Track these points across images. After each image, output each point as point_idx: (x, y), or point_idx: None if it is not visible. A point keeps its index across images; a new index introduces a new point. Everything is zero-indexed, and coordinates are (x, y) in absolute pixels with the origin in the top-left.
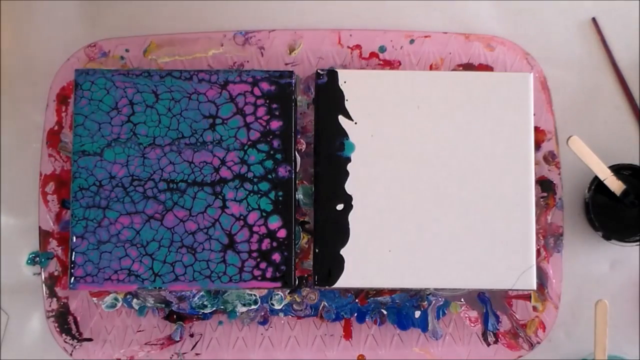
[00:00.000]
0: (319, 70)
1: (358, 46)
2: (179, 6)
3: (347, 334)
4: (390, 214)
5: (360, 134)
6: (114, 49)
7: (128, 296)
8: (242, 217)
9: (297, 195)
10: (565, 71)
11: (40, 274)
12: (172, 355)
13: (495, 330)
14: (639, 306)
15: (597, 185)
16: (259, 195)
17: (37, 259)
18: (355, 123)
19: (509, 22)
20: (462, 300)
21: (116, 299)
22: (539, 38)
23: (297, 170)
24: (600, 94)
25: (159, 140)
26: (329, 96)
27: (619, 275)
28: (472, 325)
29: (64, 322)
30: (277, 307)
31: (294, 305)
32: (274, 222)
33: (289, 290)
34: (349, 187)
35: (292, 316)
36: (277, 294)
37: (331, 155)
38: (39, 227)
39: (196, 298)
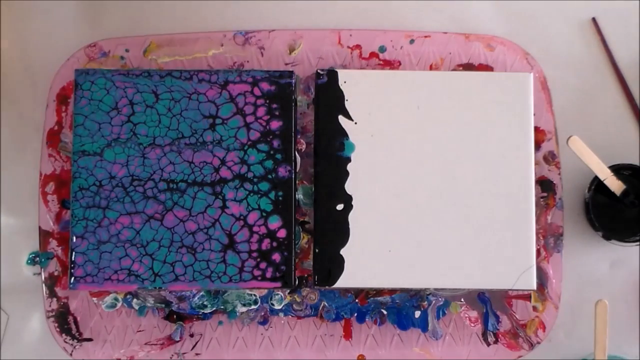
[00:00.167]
0: (319, 70)
1: (358, 46)
2: (179, 6)
3: (347, 334)
4: (390, 214)
5: (360, 134)
6: (114, 49)
7: (128, 296)
8: (242, 217)
9: (297, 195)
10: (565, 71)
11: (40, 274)
12: (172, 355)
13: (495, 330)
14: (639, 306)
15: (597, 185)
16: (259, 195)
17: (37, 259)
18: (355, 123)
19: (509, 22)
20: (462, 300)
21: (116, 299)
22: (539, 38)
23: (297, 170)
24: (600, 94)
25: (159, 140)
26: (329, 96)
27: (619, 275)
28: (472, 325)
29: (64, 322)
30: (277, 307)
31: (294, 305)
32: (274, 222)
33: (289, 290)
34: (349, 187)
35: (292, 316)
36: (277, 294)
37: (331, 155)
38: (39, 227)
39: (196, 298)
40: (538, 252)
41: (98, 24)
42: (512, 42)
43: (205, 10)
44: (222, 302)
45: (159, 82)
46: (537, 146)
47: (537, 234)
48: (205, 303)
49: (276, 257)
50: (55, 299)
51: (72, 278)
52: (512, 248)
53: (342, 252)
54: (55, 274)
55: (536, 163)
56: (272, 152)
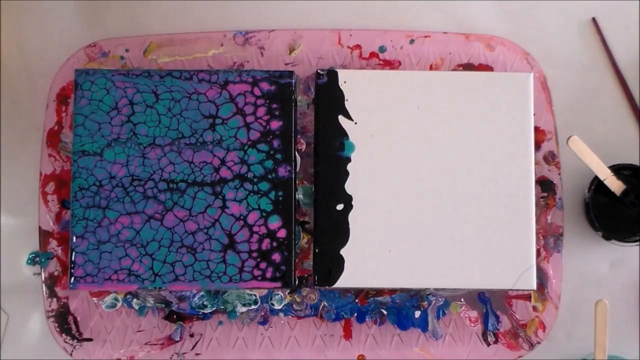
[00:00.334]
0: (319, 70)
1: (358, 46)
2: (179, 6)
3: (347, 334)
4: (390, 214)
5: (360, 134)
6: (114, 49)
7: (128, 296)
8: (242, 217)
9: (297, 195)
10: (565, 71)
11: (40, 274)
12: (172, 355)
13: (495, 330)
14: (639, 306)
15: (597, 185)
16: (259, 195)
17: (37, 259)
18: (355, 123)
19: (509, 22)
20: (462, 300)
21: (116, 299)
22: (539, 38)
23: (297, 170)
24: (600, 94)
25: (159, 140)
26: (329, 96)
27: (619, 275)
28: (472, 325)
29: (64, 322)
30: (277, 307)
31: (294, 305)
32: (274, 222)
33: (289, 290)
34: (349, 187)
35: (292, 316)
36: (277, 294)
37: (331, 155)
38: (39, 227)
39: (196, 298)
40: (538, 252)
41: (98, 24)
42: (512, 42)
43: (205, 10)
44: (222, 302)
45: (159, 82)
46: (537, 146)
47: (537, 234)
48: (205, 303)
49: (276, 257)
50: (55, 299)
51: (72, 278)
52: (512, 248)
53: (342, 252)
54: (55, 274)
55: (536, 163)
56: (272, 152)
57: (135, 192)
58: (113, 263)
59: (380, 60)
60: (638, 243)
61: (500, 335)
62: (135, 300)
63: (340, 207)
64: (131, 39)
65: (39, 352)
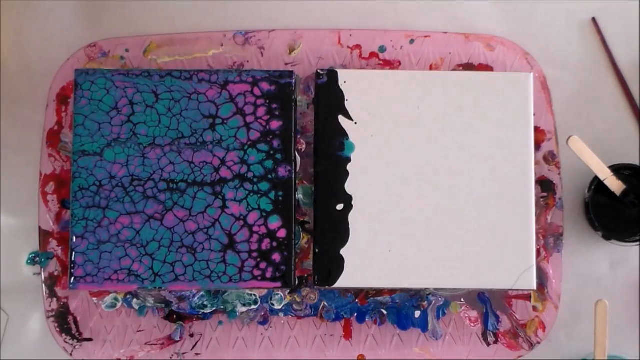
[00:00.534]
0: (319, 70)
1: (358, 46)
2: (179, 6)
3: (347, 334)
4: (390, 214)
5: (360, 134)
6: (114, 49)
7: (128, 296)
8: (242, 217)
9: (297, 195)
10: (565, 71)
11: (40, 274)
12: (172, 355)
13: (495, 330)
14: (639, 306)
15: (597, 185)
16: (259, 195)
17: (37, 259)
18: (355, 123)
19: (509, 22)
20: (462, 300)
21: (116, 299)
22: (539, 38)
23: (297, 170)
24: (600, 94)
25: (159, 140)
26: (329, 96)
27: (619, 275)
28: (472, 325)
29: (64, 322)
30: (277, 307)
31: (294, 305)
32: (274, 222)
33: (289, 290)
34: (349, 187)
35: (292, 316)
36: (277, 294)
37: (331, 155)
38: (39, 227)
39: (196, 298)
40: (538, 252)
41: (98, 24)
42: (512, 42)
43: (205, 10)
44: (222, 302)
45: (159, 82)
46: (537, 146)
47: (537, 234)
48: (205, 303)
49: (276, 257)
50: (55, 299)
51: (72, 278)
52: (512, 248)
53: (342, 252)
54: (55, 274)
55: (536, 163)
56: (272, 152)
57: (135, 192)
58: (113, 263)
59: (380, 60)
60: (638, 243)
61: (500, 335)
62: (135, 300)
63: (340, 207)
64: (131, 39)
65: (39, 352)
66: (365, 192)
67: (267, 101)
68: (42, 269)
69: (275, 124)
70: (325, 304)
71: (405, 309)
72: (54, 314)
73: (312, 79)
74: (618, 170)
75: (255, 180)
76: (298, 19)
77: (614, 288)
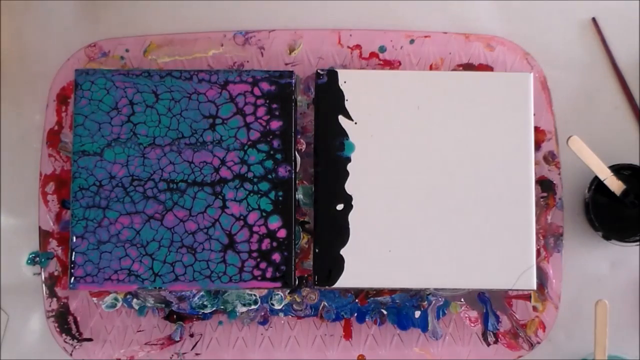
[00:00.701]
0: (319, 70)
1: (358, 46)
2: (179, 6)
3: (347, 334)
4: (390, 214)
5: (360, 134)
6: (114, 49)
7: (128, 296)
8: (242, 217)
9: (297, 195)
10: (565, 71)
11: (40, 274)
12: (172, 355)
13: (495, 330)
14: (639, 306)
15: (597, 185)
16: (259, 195)
17: (37, 259)
18: (355, 123)
19: (509, 22)
20: (462, 300)
21: (116, 299)
22: (539, 38)
23: (297, 170)
24: (600, 94)
25: (159, 140)
26: (329, 96)
27: (619, 275)
28: (472, 325)
29: (64, 322)
30: (277, 307)
31: (294, 305)
32: (274, 222)
33: (289, 290)
34: (349, 187)
35: (292, 316)
36: (277, 294)
37: (331, 155)
38: (39, 227)
39: (196, 298)
40: (538, 252)
41: (98, 24)
42: (512, 42)
43: (205, 10)
44: (222, 302)
45: (159, 82)
46: (537, 146)
47: (537, 234)
48: (205, 303)
49: (276, 257)
50: (55, 299)
51: (72, 278)
52: (512, 248)
53: (342, 252)
54: (55, 274)
55: (536, 163)
56: (272, 152)
57: (135, 192)
58: (113, 263)
59: (380, 60)
60: (638, 243)
61: (500, 335)
62: (135, 300)
63: (340, 207)
64: (131, 39)
65: (39, 352)
66: (365, 192)
67: (267, 101)
68: (42, 269)
69: (275, 124)
70: (325, 304)
71: (405, 309)
72: (54, 314)
73: (312, 79)
74: (618, 170)
75: (255, 180)
76: (298, 19)
77: (614, 288)
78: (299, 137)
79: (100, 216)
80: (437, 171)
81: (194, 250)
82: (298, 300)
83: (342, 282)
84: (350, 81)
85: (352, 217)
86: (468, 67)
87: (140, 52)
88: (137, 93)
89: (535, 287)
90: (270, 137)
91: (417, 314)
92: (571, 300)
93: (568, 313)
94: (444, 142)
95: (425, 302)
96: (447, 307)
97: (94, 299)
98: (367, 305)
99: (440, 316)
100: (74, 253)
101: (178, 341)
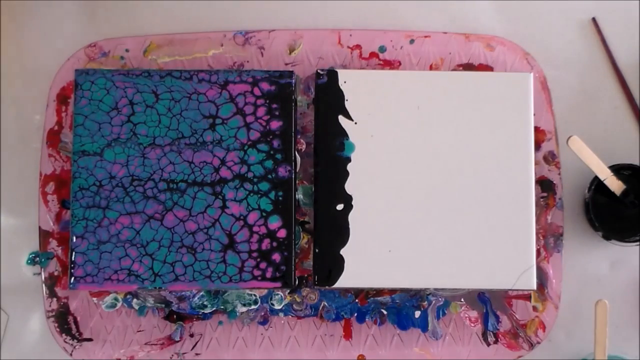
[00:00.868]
0: (319, 70)
1: (358, 46)
2: (179, 6)
3: (347, 334)
4: (390, 214)
5: (360, 134)
6: (114, 49)
7: (128, 296)
8: (242, 217)
9: (297, 195)
10: (565, 71)
11: (40, 274)
12: (172, 355)
13: (495, 330)
14: (639, 306)
15: (597, 185)
16: (259, 195)
17: (37, 259)
18: (355, 123)
19: (509, 22)
20: (462, 300)
21: (116, 299)
22: (539, 38)
23: (297, 170)
24: (600, 94)
25: (159, 140)
26: (329, 96)
27: (619, 275)
28: (472, 325)
29: (64, 322)
30: (277, 307)
31: (294, 305)
32: (274, 222)
33: (289, 290)
34: (349, 187)
35: (292, 316)
36: (277, 294)
37: (331, 155)
38: (39, 227)
39: (196, 298)
40: (538, 252)
41: (98, 24)
42: (512, 42)
43: (205, 10)
44: (222, 302)
45: (159, 82)
46: (537, 146)
47: (537, 234)
48: (205, 303)
49: (276, 257)
50: (55, 299)
51: (72, 278)
52: (512, 248)
53: (342, 252)
54: (55, 274)
55: (536, 163)
56: (272, 152)
57: (135, 192)
58: (113, 263)
59: (380, 60)
60: (638, 243)
61: (500, 335)
62: (135, 300)
63: (340, 207)
64: (131, 39)
65: (39, 352)
66: (365, 192)
67: (267, 101)
68: (42, 269)
69: (275, 124)
70: (325, 304)
71: (405, 309)
72: (54, 314)
73: (312, 79)
74: (618, 170)
75: (255, 180)
76: (298, 19)
77: (614, 288)
78: (299, 137)
79: (100, 216)
80: (437, 171)
81: (194, 250)
82: (298, 300)
83: (342, 282)
84: (350, 81)
85: (352, 217)
86: (468, 67)
87: (140, 52)
88: (137, 93)
89: (535, 287)
90: (270, 137)
91: (417, 314)
92: (571, 300)
93: (568, 313)
94: (444, 142)
95: (425, 302)
96: (447, 307)
97: (94, 299)
98: (367, 305)
99: (440, 316)
100: (74, 253)
101: (178, 341)
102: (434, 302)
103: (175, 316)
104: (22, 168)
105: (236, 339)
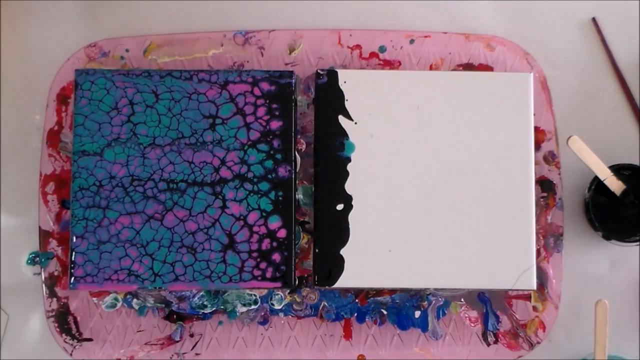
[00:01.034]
0: (319, 70)
1: (358, 46)
2: (179, 6)
3: (347, 334)
4: (390, 214)
5: (360, 134)
6: (114, 49)
7: (128, 296)
8: (242, 217)
9: (297, 195)
10: (565, 71)
11: (40, 274)
12: (172, 355)
13: (495, 330)
14: (639, 306)
15: (597, 185)
16: (259, 195)
17: (37, 259)
18: (355, 123)
19: (509, 22)
20: (462, 300)
21: (116, 299)
22: (539, 38)
23: (297, 170)
24: (600, 94)
25: (159, 140)
26: (329, 96)
27: (619, 275)
28: (472, 325)
29: (64, 322)
30: (277, 307)
31: (294, 305)
32: (274, 222)
33: (289, 290)
34: (349, 187)
35: (292, 316)
36: (277, 294)
37: (331, 155)
38: (39, 227)
39: (196, 298)
40: (538, 252)
41: (98, 24)
42: (512, 42)
43: (205, 10)
44: (222, 302)
45: (159, 82)
46: (537, 146)
47: (537, 234)
48: (205, 303)
49: (276, 257)
50: (55, 299)
51: (72, 278)
52: (512, 248)
53: (342, 252)
54: (55, 274)
55: (536, 163)
56: (272, 152)
57: (135, 192)
58: (113, 263)
59: (380, 60)
60: (638, 243)
61: (500, 335)
62: (135, 300)
63: (340, 207)
64: (131, 39)
65: (39, 352)
66: (365, 192)
67: (267, 101)
68: (42, 269)
69: (275, 124)
70: (325, 304)
71: (405, 309)
72: (54, 314)
73: (312, 79)
74: (618, 170)
75: (255, 180)
76: (298, 19)
77: (614, 288)
78: (299, 137)
79: (100, 216)
80: (437, 171)
81: (194, 250)
82: (298, 300)
83: (342, 282)
84: (350, 81)
85: (352, 217)
86: (468, 67)
87: (140, 52)
88: (137, 93)
89: (535, 287)
90: (270, 137)
91: (417, 314)
92: (571, 300)
93: (568, 313)
94: (444, 142)
95: (425, 302)
96: (447, 307)
97: (94, 299)
98: (367, 305)
99: (440, 316)
100: (74, 253)
101: (178, 341)
102: (434, 302)
103: (175, 316)
104: (22, 168)
105: (236, 339)
